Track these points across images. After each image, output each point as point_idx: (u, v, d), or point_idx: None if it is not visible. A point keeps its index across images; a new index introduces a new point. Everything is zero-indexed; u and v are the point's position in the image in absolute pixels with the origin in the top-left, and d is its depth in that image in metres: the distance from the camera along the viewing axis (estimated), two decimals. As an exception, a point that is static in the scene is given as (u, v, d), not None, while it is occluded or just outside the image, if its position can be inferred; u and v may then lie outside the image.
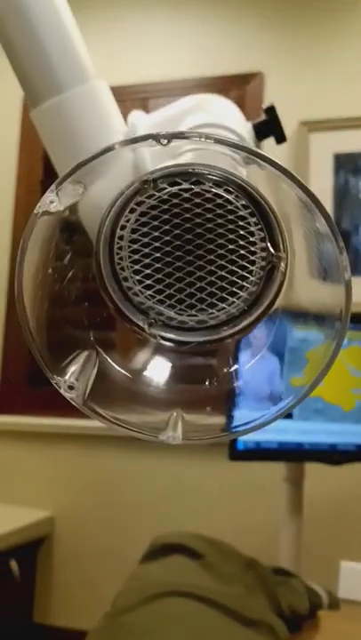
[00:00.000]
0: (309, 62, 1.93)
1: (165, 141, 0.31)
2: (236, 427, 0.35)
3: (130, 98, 2.01)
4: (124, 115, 0.48)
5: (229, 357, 0.38)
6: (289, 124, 1.87)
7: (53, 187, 0.32)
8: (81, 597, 1.96)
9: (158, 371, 0.37)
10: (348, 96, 1.87)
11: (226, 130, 0.43)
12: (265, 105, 0.48)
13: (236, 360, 0.38)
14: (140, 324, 0.37)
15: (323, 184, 1.82)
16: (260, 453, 1.28)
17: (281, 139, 0.46)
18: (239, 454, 1.26)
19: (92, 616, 1.96)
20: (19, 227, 2.13)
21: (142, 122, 0.44)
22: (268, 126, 0.43)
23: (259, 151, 0.30)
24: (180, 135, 0.31)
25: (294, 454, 1.31)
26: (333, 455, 1.32)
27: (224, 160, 0.34)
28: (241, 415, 0.35)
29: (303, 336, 0.38)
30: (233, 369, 0.38)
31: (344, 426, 1.34)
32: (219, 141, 0.31)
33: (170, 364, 0.37)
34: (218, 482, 1.88)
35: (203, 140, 0.31)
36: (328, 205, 1.81)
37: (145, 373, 0.37)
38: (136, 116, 0.45)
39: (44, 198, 0.31)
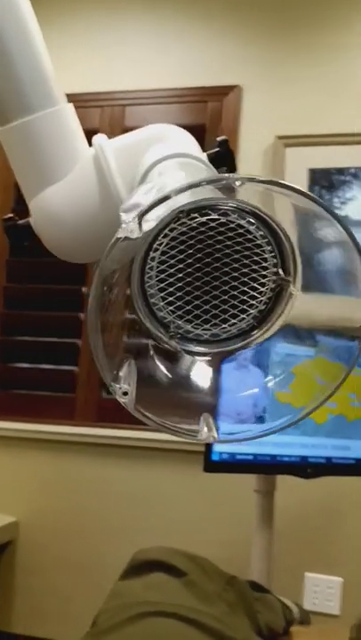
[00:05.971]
0: (288, 78, 1.96)
1: (239, 183, 0.34)
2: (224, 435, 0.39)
3: (109, 104, 2.00)
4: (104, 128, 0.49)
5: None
6: (266, 138, 1.89)
7: (136, 217, 0.33)
8: (43, 605, 1.94)
9: (202, 376, 0.41)
10: (324, 113, 1.91)
11: (194, 159, 0.46)
12: (219, 138, 0.52)
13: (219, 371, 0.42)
14: (161, 336, 0.40)
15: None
16: (235, 465, 1.29)
17: (233, 170, 0.49)
18: (214, 466, 1.27)
19: (53, 624, 1.94)
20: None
21: (108, 145, 0.46)
22: (222, 157, 0.47)
23: (293, 186, 0.34)
24: (252, 179, 0.34)
25: (268, 467, 1.33)
26: (306, 468, 1.34)
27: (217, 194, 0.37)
28: (225, 427, 0.39)
29: (290, 350, 0.41)
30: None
31: (316, 439, 1.36)
32: (276, 184, 0.34)
33: (211, 370, 0.41)
34: (191, 492, 1.88)
35: (269, 185, 0.34)
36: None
37: (191, 377, 0.41)
38: (100, 138, 0.47)
39: (127, 226, 0.33)
